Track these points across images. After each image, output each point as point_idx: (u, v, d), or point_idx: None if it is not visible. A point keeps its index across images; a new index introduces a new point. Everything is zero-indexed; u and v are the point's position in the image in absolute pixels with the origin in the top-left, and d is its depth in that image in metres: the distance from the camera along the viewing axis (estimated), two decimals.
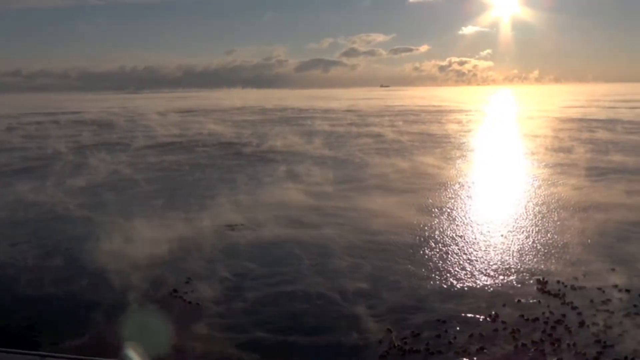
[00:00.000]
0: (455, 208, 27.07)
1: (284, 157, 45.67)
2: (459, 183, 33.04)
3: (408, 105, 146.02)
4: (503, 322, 14.57)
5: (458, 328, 14.34)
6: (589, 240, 21.31)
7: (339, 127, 74.29)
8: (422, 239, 21.96)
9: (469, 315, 15.10)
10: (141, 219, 24.85)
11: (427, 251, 20.55)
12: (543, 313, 14.89)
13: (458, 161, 41.91)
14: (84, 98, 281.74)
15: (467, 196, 29.70)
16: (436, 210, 26.60)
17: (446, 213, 26.08)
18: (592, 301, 15.71)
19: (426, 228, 23.46)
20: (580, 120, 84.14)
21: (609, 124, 75.54)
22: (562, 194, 29.41)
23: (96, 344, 13.83)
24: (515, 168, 40.16)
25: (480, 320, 14.79)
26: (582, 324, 14.32)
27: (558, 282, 17.10)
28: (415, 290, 16.92)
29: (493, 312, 15.12)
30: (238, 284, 17.67)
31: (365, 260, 19.63)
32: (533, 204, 27.60)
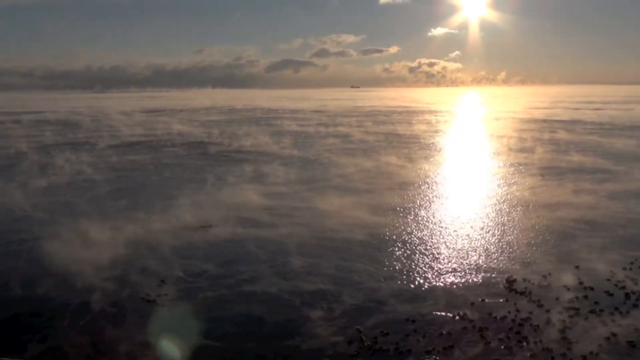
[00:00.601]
0: (416, 208, 27.05)
1: (252, 157, 45.41)
2: (421, 183, 33.18)
3: (378, 106, 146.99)
4: (471, 321, 14.68)
5: (427, 327, 14.37)
6: (551, 239, 21.65)
7: (308, 128, 74.37)
8: (385, 239, 21.92)
9: (437, 314, 15.15)
10: (105, 219, 24.30)
11: (389, 251, 20.50)
12: (509, 312, 15.07)
13: (422, 161, 42.19)
14: (49, 97, 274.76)
15: (429, 196, 29.73)
16: (398, 210, 26.59)
17: (407, 213, 26.06)
18: (557, 299, 15.97)
19: (387, 228, 23.42)
20: (544, 121, 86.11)
21: (571, 124, 77.59)
22: (524, 194, 29.87)
23: (61, 350, 13.45)
24: (479, 168, 40.57)
25: (449, 319, 14.86)
26: (548, 321, 14.53)
27: (524, 280, 17.32)
28: (380, 291, 16.83)
29: (461, 311, 15.21)
30: (199, 285, 17.37)
31: (328, 261, 19.47)
32: (496, 204, 27.88)
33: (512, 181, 33.95)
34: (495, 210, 26.68)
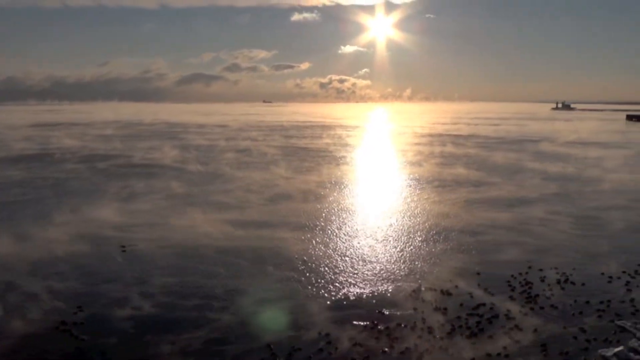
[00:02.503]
0: (301, 221, 26.41)
1: (143, 171, 43.47)
2: (304, 195, 32.85)
3: (288, 121, 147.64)
4: (381, 331, 14.47)
5: (338, 339, 13.91)
6: (449, 247, 22.07)
7: (212, 142, 72.59)
8: (264, 256, 21.04)
9: (349, 326, 14.76)
10: None
11: (274, 268, 19.65)
12: (415, 322, 14.94)
13: (313, 174, 42.04)
14: None
15: (306, 209, 29.16)
16: (277, 224, 25.82)
17: (289, 226, 25.34)
18: (461, 305, 16.13)
19: (271, 244, 22.57)
20: (442, 135, 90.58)
21: (468, 139, 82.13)
22: (417, 205, 30.37)
23: None
24: (369, 181, 40.96)
25: (361, 329, 14.55)
26: (454, 329, 14.58)
27: (430, 289, 17.38)
28: (284, 305, 16.13)
29: (371, 322, 14.99)
30: (57, 307, 15.61)
31: (217, 279, 18.52)
32: (384, 215, 28.01)
33: (407, 193, 34.59)
34: (393, 222, 26.62)
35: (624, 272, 19.09)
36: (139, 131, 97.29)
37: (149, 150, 59.90)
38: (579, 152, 60.56)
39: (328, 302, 16.53)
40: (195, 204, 30.00)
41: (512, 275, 18.73)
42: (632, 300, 16.63)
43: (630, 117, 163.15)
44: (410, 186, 36.96)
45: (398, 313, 15.69)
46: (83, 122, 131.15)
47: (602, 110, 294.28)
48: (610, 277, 18.67)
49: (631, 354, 13.11)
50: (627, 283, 18.07)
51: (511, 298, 16.81)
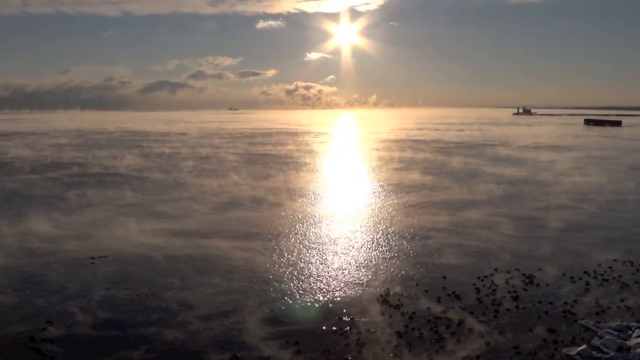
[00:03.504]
0: (259, 229, 25.90)
1: (98, 180, 42.31)
2: (260, 203, 32.40)
3: (253, 128, 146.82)
4: (348, 337, 14.34)
5: (309, 347, 13.69)
6: (411, 252, 21.96)
7: (175, 150, 71.30)
8: (251, 266, 20.66)
9: (317, 333, 14.59)
10: None
11: (225, 279, 19.33)
12: (383, 328, 14.83)
13: (271, 181, 41.78)
14: None
15: (272, 215, 28.81)
16: (232, 232, 25.21)
17: (245, 235, 24.79)
18: (429, 309, 16.10)
19: (245, 254, 22.09)
20: (405, 140, 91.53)
21: (429, 144, 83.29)
22: (374, 210, 30.32)
23: None
24: (331, 187, 40.75)
25: (330, 336, 14.39)
26: (422, 335, 14.49)
27: (395, 294, 17.31)
28: (251, 313, 15.72)
29: (339, 328, 14.87)
30: None
31: (191, 292, 17.90)
32: (343, 221, 27.81)
33: (358, 199, 34.69)
34: (345, 227, 26.37)
35: (585, 272, 19.44)
36: (98, 140, 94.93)
37: (107, 158, 58.45)
38: (537, 156, 61.91)
39: (292, 310, 16.25)
40: (147, 214, 29.12)
41: (478, 277, 18.84)
42: (596, 300, 16.89)
43: (587, 122, 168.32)
44: (368, 192, 37.05)
45: (365, 319, 15.52)
46: (41, 131, 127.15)
47: (561, 114, 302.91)
48: (572, 277, 18.97)
49: (594, 352, 13.28)
50: (588, 283, 18.41)
51: (478, 300, 16.87)
